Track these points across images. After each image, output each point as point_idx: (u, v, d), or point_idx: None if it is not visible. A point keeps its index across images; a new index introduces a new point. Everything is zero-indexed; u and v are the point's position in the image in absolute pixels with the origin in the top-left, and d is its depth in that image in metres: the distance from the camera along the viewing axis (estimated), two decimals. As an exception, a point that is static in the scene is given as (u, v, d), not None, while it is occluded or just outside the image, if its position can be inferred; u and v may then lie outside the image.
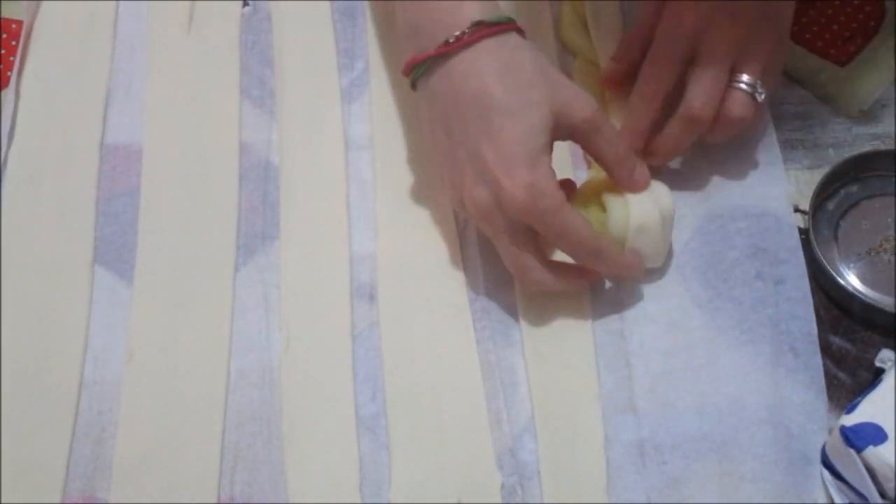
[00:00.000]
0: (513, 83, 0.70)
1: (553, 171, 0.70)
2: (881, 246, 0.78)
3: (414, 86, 0.75)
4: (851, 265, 0.78)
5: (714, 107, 0.76)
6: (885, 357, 0.73)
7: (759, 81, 0.76)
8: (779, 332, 0.75)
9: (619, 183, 0.74)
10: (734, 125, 0.77)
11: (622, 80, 0.81)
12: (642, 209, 0.73)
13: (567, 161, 0.82)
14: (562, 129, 0.71)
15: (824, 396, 0.73)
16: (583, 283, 0.77)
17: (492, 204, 0.70)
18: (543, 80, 0.71)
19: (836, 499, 0.69)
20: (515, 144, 0.69)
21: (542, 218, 0.69)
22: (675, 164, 0.82)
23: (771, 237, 0.79)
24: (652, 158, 0.78)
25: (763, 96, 0.76)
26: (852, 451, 0.66)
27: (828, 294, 0.77)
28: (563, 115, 0.71)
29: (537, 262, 0.73)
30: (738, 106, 0.76)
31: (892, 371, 0.69)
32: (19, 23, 0.88)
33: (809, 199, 0.78)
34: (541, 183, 0.69)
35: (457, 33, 0.70)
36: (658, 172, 0.81)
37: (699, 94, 0.75)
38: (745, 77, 0.75)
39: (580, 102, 0.71)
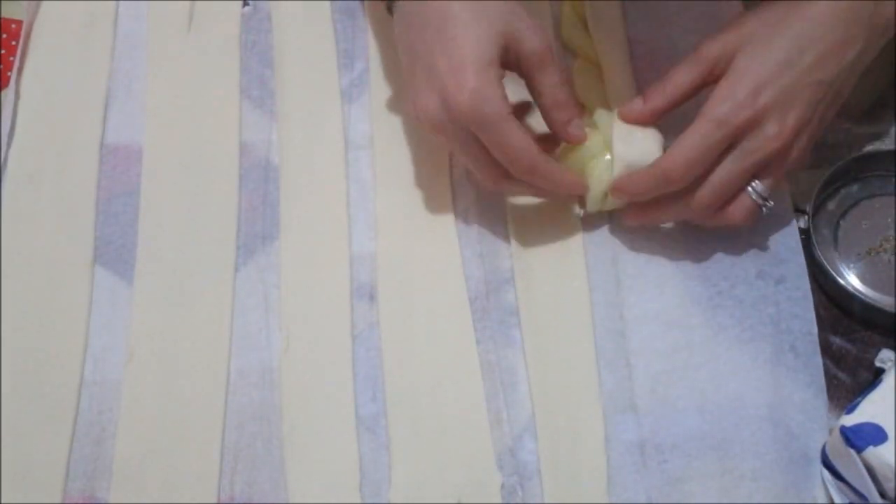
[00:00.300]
0: (471, 2, 0.71)
1: (502, 86, 0.70)
2: (881, 246, 0.79)
3: (389, 10, 0.76)
4: (851, 265, 0.78)
5: (720, 204, 0.74)
6: (885, 357, 0.73)
7: (771, 195, 0.74)
8: (779, 331, 0.76)
9: (553, 128, 0.75)
10: (727, 223, 0.75)
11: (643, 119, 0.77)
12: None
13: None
14: (511, 55, 0.72)
15: (824, 395, 0.73)
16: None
17: (441, 112, 0.71)
18: (503, 4, 0.71)
19: (836, 499, 0.69)
20: (466, 50, 0.69)
21: (484, 125, 0.70)
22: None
23: (772, 236, 0.79)
24: (632, 218, 0.77)
25: (768, 210, 0.74)
26: (852, 451, 0.66)
27: (828, 294, 0.77)
28: (514, 41, 0.71)
29: (492, 164, 0.73)
30: (740, 210, 0.74)
31: (892, 371, 0.70)
32: (19, 23, 0.88)
33: (809, 199, 0.78)
34: (485, 90, 0.69)
35: None
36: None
37: (712, 191, 0.73)
38: (758, 186, 0.73)
39: (532, 34, 0.72)
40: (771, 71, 0.70)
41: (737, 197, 0.74)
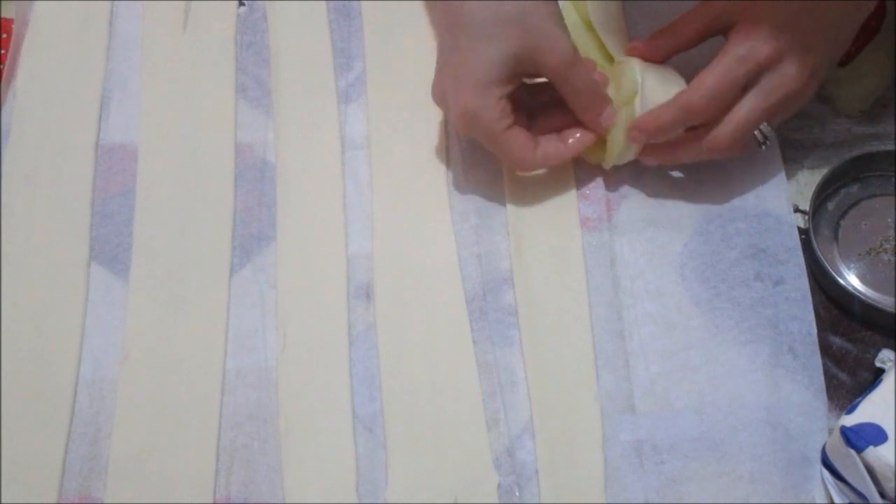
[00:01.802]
0: (491, 13, 0.72)
1: (501, 103, 0.74)
2: (881, 246, 0.78)
3: None
4: (851, 265, 0.78)
5: (739, 143, 0.75)
6: (885, 357, 0.73)
7: (773, 133, 0.76)
8: (778, 332, 0.75)
9: (584, 124, 0.77)
10: (722, 155, 0.77)
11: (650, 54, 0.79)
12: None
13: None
14: (528, 68, 0.74)
15: (823, 397, 0.73)
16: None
17: (445, 108, 0.77)
18: (522, 17, 0.72)
19: (836, 499, 0.69)
20: (470, 69, 0.73)
21: (481, 138, 0.76)
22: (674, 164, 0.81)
23: (770, 238, 0.79)
24: (649, 159, 0.78)
25: (766, 147, 0.76)
26: (852, 452, 0.65)
27: (828, 294, 0.77)
28: (531, 60, 0.73)
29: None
30: (741, 148, 0.76)
31: (892, 371, 0.69)
32: (19, 23, 0.89)
33: (809, 199, 0.78)
34: (479, 112, 0.74)
35: None
36: (658, 173, 0.81)
37: (732, 128, 0.74)
38: (766, 127, 0.75)
39: (551, 50, 0.73)
40: (789, 14, 0.72)
41: None
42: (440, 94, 0.77)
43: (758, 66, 0.72)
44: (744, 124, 0.74)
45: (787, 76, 0.72)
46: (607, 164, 0.79)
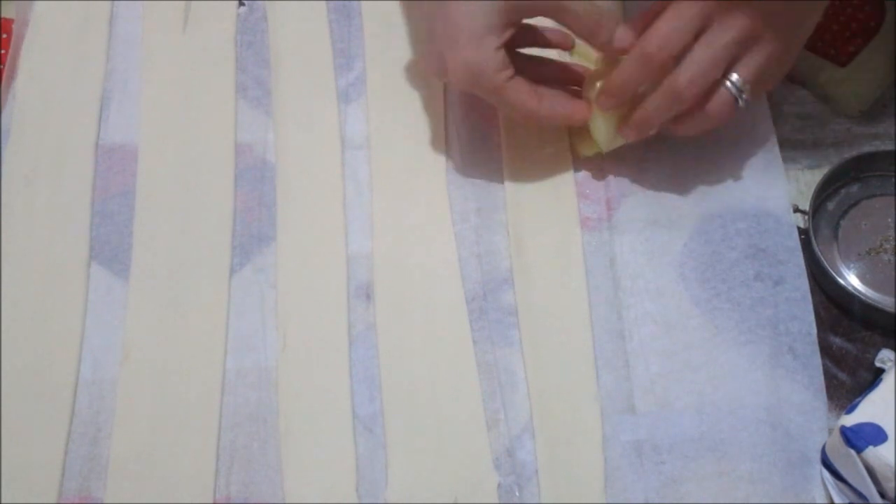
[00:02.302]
0: None
1: (500, 54, 0.72)
2: (881, 246, 0.78)
3: None
4: (851, 265, 0.78)
5: (700, 89, 0.72)
6: (885, 357, 0.73)
7: (748, 86, 0.73)
8: (777, 332, 0.75)
9: (602, 51, 0.76)
10: (706, 122, 0.75)
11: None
12: None
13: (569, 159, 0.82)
14: (522, 11, 0.73)
15: (823, 397, 0.73)
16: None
17: (444, 75, 0.74)
18: None
19: (836, 499, 0.69)
20: (462, 20, 0.71)
21: (483, 93, 0.74)
22: (674, 164, 0.81)
23: (770, 238, 0.79)
24: (627, 130, 0.77)
25: (744, 104, 0.74)
26: (852, 452, 0.65)
27: (828, 294, 0.77)
28: (524, 5, 0.72)
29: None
30: (717, 104, 0.73)
31: (892, 371, 0.69)
32: (20, 23, 0.89)
33: (809, 199, 0.78)
34: (481, 64, 0.72)
35: None
36: (658, 172, 0.81)
37: (690, 71, 0.72)
38: (734, 77, 0.73)
39: None
40: None
41: (714, 91, 0.73)
42: (435, 62, 0.74)
43: (710, 8, 0.70)
44: (698, 67, 0.71)
45: (739, 17, 0.70)
46: (606, 148, 0.79)
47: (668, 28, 0.71)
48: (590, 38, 0.75)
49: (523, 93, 0.74)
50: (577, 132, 0.81)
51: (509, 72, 0.73)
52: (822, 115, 0.84)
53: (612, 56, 0.76)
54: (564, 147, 0.82)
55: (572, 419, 0.73)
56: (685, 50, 0.72)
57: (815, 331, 0.75)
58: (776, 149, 0.82)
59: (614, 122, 0.77)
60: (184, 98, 0.85)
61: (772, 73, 0.75)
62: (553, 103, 0.77)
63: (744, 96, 0.73)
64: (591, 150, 0.81)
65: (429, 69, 0.76)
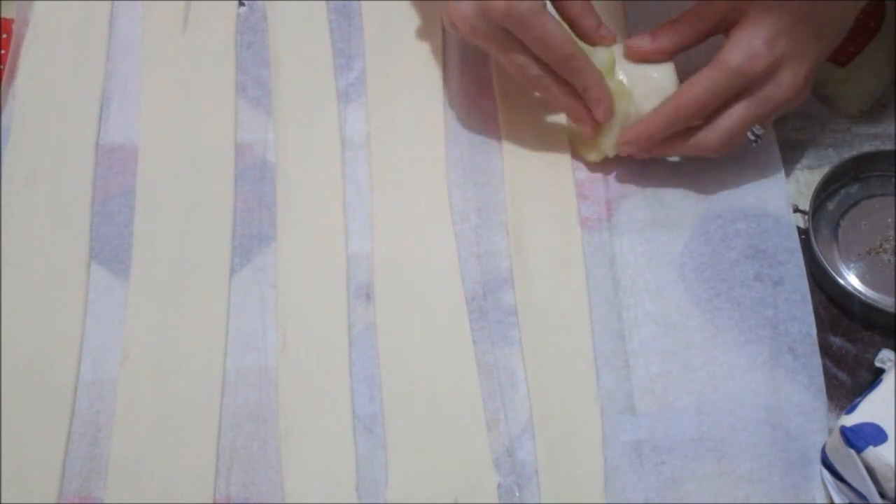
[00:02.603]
0: None
1: None
2: (881, 246, 0.78)
3: None
4: (851, 265, 0.78)
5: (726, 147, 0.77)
6: (885, 357, 0.73)
7: (763, 133, 0.77)
8: (777, 333, 0.75)
9: (586, 36, 0.76)
10: (709, 155, 0.78)
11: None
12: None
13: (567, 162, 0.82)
14: None
15: (823, 397, 0.73)
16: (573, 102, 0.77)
17: (477, 16, 0.72)
18: None
19: (836, 499, 0.69)
20: None
21: (521, 22, 0.72)
22: (674, 164, 0.82)
23: (770, 238, 0.79)
24: (625, 147, 0.78)
25: (756, 146, 0.78)
26: (852, 452, 0.65)
27: (828, 294, 0.77)
28: None
29: (531, 60, 0.74)
30: (733, 147, 0.77)
31: (892, 371, 0.69)
32: (19, 23, 0.89)
33: (809, 199, 0.78)
34: None
35: None
36: (658, 172, 0.81)
37: (719, 132, 0.76)
38: (758, 128, 0.77)
39: None
40: (786, 23, 0.72)
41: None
42: (454, 7, 0.73)
43: (751, 79, 0.73)
44: (732, 131, 0.75)
45: (781, 87, 0.73)
46: (612, 154, 0.80)
47: (707, 93, 0.74)
48: (578, 20, 0.76)
49: (556, 21, 0.73)
50: (579, 137, 0.81)
51: (542, 1, 0.73)
52: (822, 115, 0.84)
53: (591, 42, 0.77)
54: (564, 147, 0.83)
55: (572, 419, 0.73)
56: (720, 109, 0.75)
57: (815, 331, 0.75)
58: (776, 149, 0.82)
59: (619, 131, 0.78)
60: (184, 98, 0.85)
61: (799, 102, 0.77)
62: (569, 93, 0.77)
63: (760, 140, 0.77)
64: (598, 157, 0.81)
65: (454, 18, 0.74)
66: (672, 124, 0.75)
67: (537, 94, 0.80)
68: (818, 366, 0.74)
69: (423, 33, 0.88)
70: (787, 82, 0.73)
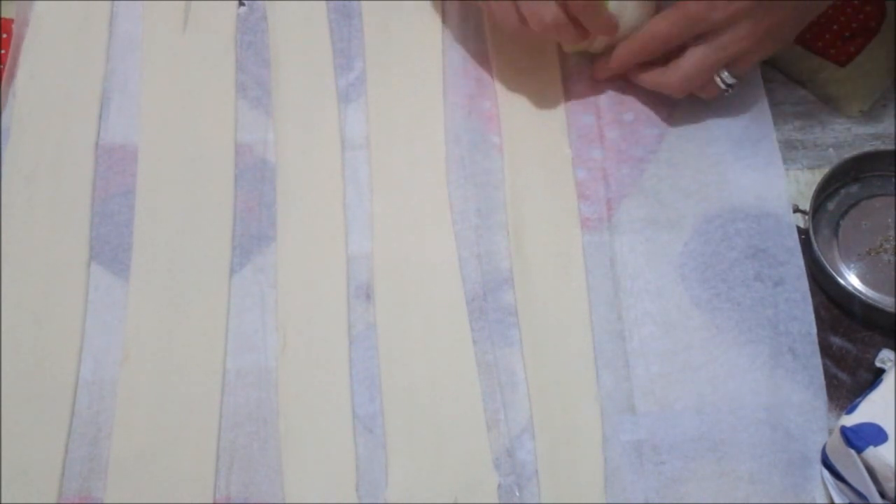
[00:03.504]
0: None
1: None
2: (881, 246, 0.78)
3: None
4: (851, 265, 0.78)
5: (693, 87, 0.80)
6: (885, 357, 0.73)
7: (736, 82, 0.79)
8: (778, 333, 0.75)
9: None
10: (675, 93, 0.81)
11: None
12: None
13: (569, 162, 0.82)
14: None
15: (824, 397, 0.73)
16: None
17: None
18: None
19: (836, 499, 0.69)
20: None
21: None
22: (674, 164, 0.81)
23: (770, 238, 0.79)
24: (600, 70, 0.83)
25: (731, 94, 0.80)
26: (852, 452, 0.65)
27: (828, 294, 0.77)
28: None
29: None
30: (706, 92, 0.80)
31: (892, 371, 0.69)
32: (19, 23, 0.88)
33: (809, 199, 0.78)
34: None
35: None
36: (658, 172, 0.81)
37: (683, 70, 0.78)
38: (726, 75, 0.79)
39: None
40: None
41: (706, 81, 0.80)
42: None
43: (711, 24, 0.75)
44: (690, 72, 0.78)
45: (739, 35, 0.75)
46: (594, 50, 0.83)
47: (668, 32, 0.77)
48: None
49: None
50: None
51: None
52: (822, 115, 0.84)
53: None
54: (565, 148, 0.82)
55: (572, 419, 0.73)
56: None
57: (815, 331, 0.75)
58: (776, 149, 0.82)
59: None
60: (184, 98, 0.85)
61: (764, 53, 0.79)
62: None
63: (732, 90, 0.79)
64: (576, 47, 0.83)
65: None
66: (637, 55, 0.80)
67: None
68: (818, 366, 0.74)
69: (423, 33, 0.88)
70: (745, 31, 0.75)
